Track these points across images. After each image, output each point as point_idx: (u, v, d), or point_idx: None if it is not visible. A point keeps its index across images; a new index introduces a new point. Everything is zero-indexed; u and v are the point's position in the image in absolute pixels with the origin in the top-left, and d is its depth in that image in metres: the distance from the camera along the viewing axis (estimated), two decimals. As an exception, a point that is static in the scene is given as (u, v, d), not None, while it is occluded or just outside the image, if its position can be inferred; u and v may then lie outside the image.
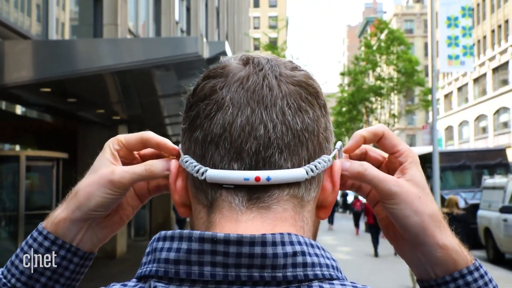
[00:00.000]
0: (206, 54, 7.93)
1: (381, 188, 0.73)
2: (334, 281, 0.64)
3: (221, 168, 0.66)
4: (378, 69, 31.72)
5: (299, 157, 0.68)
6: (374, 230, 14.70)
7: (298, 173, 0.67)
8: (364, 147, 0.80)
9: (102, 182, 0.76)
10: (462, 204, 15.86)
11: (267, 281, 0.61)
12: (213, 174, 0.66)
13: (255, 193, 0.67)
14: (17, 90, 8.74)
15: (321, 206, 0.73)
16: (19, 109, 12.29)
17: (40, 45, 8.64)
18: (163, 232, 0.67)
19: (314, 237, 0.75)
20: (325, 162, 0.70)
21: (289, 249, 0.62)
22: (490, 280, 0.75)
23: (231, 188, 0.67)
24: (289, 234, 0.64)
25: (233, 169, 0.66)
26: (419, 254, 0.75)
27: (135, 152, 0.82)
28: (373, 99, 31.69)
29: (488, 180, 14.11)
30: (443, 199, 13.49)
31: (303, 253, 0.63)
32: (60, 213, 0.79)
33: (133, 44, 9.33)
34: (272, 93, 0.67)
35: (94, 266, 1.01)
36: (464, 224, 9.53)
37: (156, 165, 0.75)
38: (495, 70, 38.07)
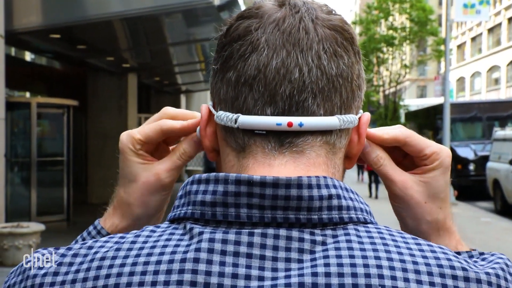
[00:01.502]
0: (217, 0, 7.80)
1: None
2: (369, 225, 0.65)
3: (255, 114, 0.66)
4: (390, 18, 31.09)
5: (331, 103, 0.67)
6: (373, 175, 16.06)
7: (331, 121, 0.67)
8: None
9: (154, 189, 0.78)
10: (471, 155, 15.90)
11: (302, 223, 0.62)
12: (245, 120, 0.66)
13: (286, 138, 0.66)
14: (26, 35, 8.69)
15: (346, 157, 0.73)
16: (28, 56, 12.26)
17: (48, -10, 8.52)
18: (197, 176, 0.67)
19: None
20: (355, 117, 0.70)
21: (324, 192, 0.63)
22: None
23: (263, 134, 0.66)
24: (324, 177, 0.64)
25: (266, 114, 0.65)
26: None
27: None
28: (384, 49, 31.19)
29: (498, 132, 14.02)
30: (452, 151, 13.59)
31: (338, 196, 0.63)
32: (118, 223, 0.81)
33: (142, -10, 9.18)
34: (308, 37, 0.66)
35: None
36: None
37: (186, 147, 0.79)
38: (510, 19, 37.24)
